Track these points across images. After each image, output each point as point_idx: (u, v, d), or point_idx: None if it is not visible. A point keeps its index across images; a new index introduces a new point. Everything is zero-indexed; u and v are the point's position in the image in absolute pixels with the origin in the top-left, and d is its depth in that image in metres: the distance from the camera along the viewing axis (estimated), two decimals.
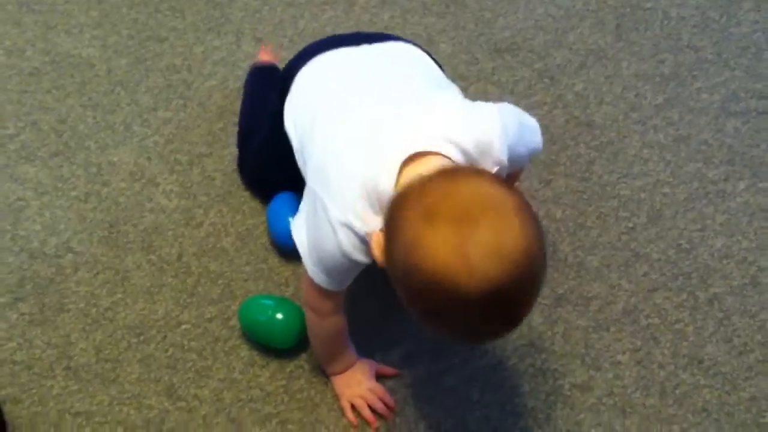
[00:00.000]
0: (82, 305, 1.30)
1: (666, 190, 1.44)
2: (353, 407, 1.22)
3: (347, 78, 1.16)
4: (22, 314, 1.29)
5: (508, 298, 0.89)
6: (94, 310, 1.29)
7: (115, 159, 1.45)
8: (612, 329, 1.30)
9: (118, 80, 1.55)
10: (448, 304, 0.89)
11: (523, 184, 1.40)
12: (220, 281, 1.33)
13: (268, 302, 1.26)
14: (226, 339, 1.28)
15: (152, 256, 1.35)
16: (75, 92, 1.54)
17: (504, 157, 1.01)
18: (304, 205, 1.10)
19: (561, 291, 1.33)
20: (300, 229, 1.09)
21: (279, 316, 1.24)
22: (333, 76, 1.17)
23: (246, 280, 1.33)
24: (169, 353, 1.26)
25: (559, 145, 1.49)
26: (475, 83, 1.56)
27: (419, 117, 1.04)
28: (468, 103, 1.09)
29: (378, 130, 1.04)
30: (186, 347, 1.27)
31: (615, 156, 1.48)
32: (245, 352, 1.27)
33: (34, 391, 1.23)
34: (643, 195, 1.44)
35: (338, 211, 1.00)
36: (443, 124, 1.02)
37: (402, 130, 1.03)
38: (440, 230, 0.88)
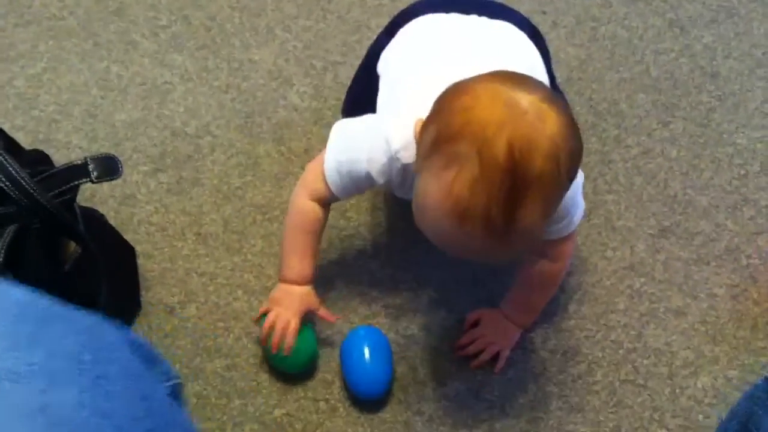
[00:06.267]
0: (215, 182, 1.40)
1: None
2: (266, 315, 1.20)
3: (446, 45, 1.19)
4: (161, 183, 1.40)
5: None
6: (225, 187, 1.40)
7: (256, 58, 1.55)
8: (713, 264, 1.34)
9: None
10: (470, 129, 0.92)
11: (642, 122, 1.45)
12: None
13: None
14: (342, 228, 1.37)
15: (282, 147, 1.44)
16: None
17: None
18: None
19: (667, 223, 1.37)
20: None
21: None
22: (435, 38, 1.20)
23: None
24: None
25: (681, 90, 1.52)
26: (606, 24, 1.61)
27: None
28: None
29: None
30: None
31: (735, 107, 1.51)
32: (359, 241, 1.35)
33: (165, 250, 1.34)
34: (759, 145, 1.46)
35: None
36: None
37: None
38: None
